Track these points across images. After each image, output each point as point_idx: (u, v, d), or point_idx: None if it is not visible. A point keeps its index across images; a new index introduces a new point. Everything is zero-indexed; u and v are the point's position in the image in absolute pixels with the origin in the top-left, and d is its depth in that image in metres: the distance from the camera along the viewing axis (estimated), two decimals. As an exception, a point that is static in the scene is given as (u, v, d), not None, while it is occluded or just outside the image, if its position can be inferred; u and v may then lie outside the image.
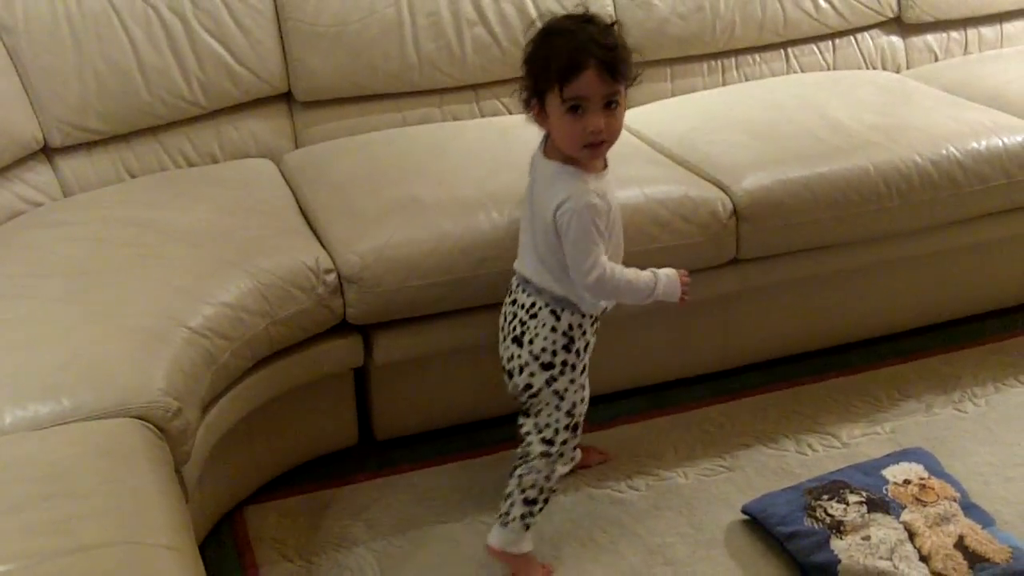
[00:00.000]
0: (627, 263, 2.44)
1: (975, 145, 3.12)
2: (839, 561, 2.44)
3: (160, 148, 3.16)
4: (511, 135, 3.08)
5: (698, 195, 2.89)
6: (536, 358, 2.44)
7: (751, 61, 3.76)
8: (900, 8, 3.88)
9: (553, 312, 2.42)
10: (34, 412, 2.07)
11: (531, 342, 2.44)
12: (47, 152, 3.04)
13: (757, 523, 2.62)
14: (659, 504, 2.73)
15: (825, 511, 2.56)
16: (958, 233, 3.21)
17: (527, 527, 2.52)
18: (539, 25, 2.34)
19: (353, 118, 3.35)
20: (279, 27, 3.22)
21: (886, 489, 2.64)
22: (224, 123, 3.24)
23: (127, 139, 3.12)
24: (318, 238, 2.78)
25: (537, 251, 2.41)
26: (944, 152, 3.08)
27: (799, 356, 3.27)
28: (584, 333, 2.46)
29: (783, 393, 3.14)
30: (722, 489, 2.77)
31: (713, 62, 3.72)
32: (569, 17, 2.35)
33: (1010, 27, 4.05)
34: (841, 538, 2.49)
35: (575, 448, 2.67)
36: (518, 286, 2.49)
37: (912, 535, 2.51)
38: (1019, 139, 3.17)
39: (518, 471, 2.51)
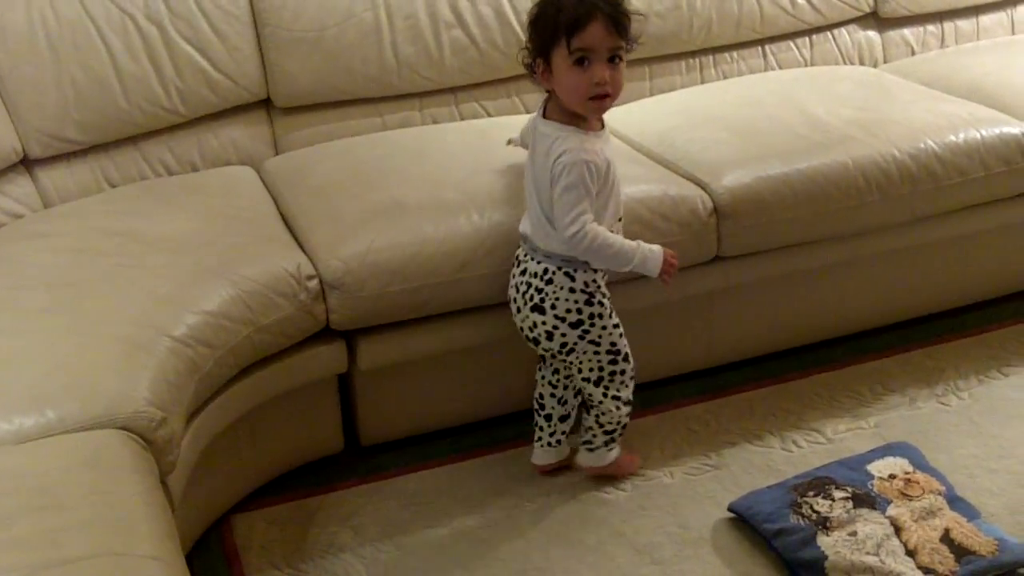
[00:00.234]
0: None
1: (953, 138, 3.13)
2: (826, 557, 2.44)
3: (140, 157, 3.15)
4: (491, 137, 3.09)
5: (678, 193, 2.90)
6: (563, 320, 2.54)
7: (729, 58, 3.76)
8: (876, 2, 3.90)
9: (567, 274, 2.51)
10: (19, 425, 2.06)
11: (553, 307, 2.52)
12: (26, 163, 3.02)
13: (744, 521, 2.63)
14: (645, 504, 2.73)
15: (811, 507, 2.57)
16: (938, 226, 3.23)
17: (611, 448, 2.74)
18: None
19: (333, 123, 3.34)
20: (257, 33, 3.21)
21: (871, 484, 2.65)
22: (204, 131, 3.22)
23: (106, 149, 3.11)
24: (300, 244, 2.78)
25: (542, 216, 2.49)
26: (922, 146, 3.09)
27: (783, 352, 3.28)
28: (599, 287, 2.55)
29: (768, 390, 3.15)
30: (708, 487, 2.78)
31: (691, 60, 3.73)
32: None
33: (986, 19, 4.07)
34: (828, 534, 2.49)
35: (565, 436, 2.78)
36: (526, 255, 2.56)
37: (898, 530, 2.52)
38: (997, 131, 3.18)
39: (593, 412, 2.70)
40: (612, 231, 2.50)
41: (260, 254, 2.68)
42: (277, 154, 3.29)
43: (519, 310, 2.59)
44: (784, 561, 2.50)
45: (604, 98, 2.40)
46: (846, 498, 2.59)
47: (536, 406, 2.80)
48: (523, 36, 2.56)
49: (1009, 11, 4.09)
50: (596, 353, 2.60)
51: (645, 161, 3.10)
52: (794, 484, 2.67)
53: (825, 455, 2.85)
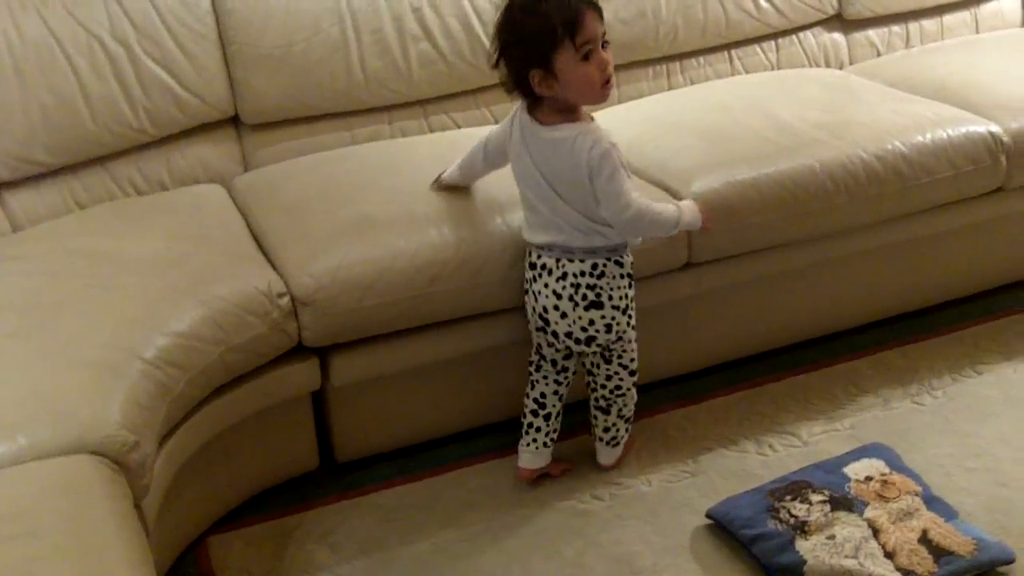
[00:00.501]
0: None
1: (920, 138, 3.15)
2: (805, 562, 2.44)
3: (109, 178, 3.13)
4: (461, 148, 3.07)
5: (648, 201, 2.90)
6: (618, 308, 2.63)
7: (696, 64, 3.77)
8: (841, 4, 3.92)
9: (617, 262, 2.61)
10: (-10, 452, 2.05)
11: (611, 298, 2.61)
12: (-7, 187, 3.01)
13: (721, 527, 2.63)
14: (623, 513, 2.73)
15: (789, 512, 2.57)
16: (907, 226, 3.24)
17: (628, 432, 2.86)
18: (502, 13, 2.49)
19: (302, 138, 3.33)
20: (223, 50, 3.19)
21: (848, 487, 2.65)
22: (172, 150, 3.21)
23: (75, 170, 3.09)
24: (270, 262, 2.77)
25: (576, 215, 2.54)
26: (889, 147, 3.10)
27: (757, 356, 3.29)
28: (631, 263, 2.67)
29: (743, 394, 3.15)
30: (686, 494, 2.78)
31: (658, 67, 3.73)
32: None
33: (950, 19, 4.09)
34: (806, 538, 2.50)
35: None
36: (559, 261, 2.60)
37: (876, 532, 2.52)
38: (963, 131, 3.20)
39: (613, 407, 2.78)
40: None
41: (231, 273, 2.67)
42: (246, 171, 3.28)
43: (565, 315, 2.61)
44: (763, 567, 2.50)
45: (609, 80, 2.47)
46: (823, 501, 2.60)
47: (534, 407, 2.79)
48: (490, 48, 2.55)
49: (973, 10, 4.12)
50: (631, 340, 2.71)
51: (614, 169, 3.09)
52: (771, 489, 2.67)
53: (801, 458, 2.85)
